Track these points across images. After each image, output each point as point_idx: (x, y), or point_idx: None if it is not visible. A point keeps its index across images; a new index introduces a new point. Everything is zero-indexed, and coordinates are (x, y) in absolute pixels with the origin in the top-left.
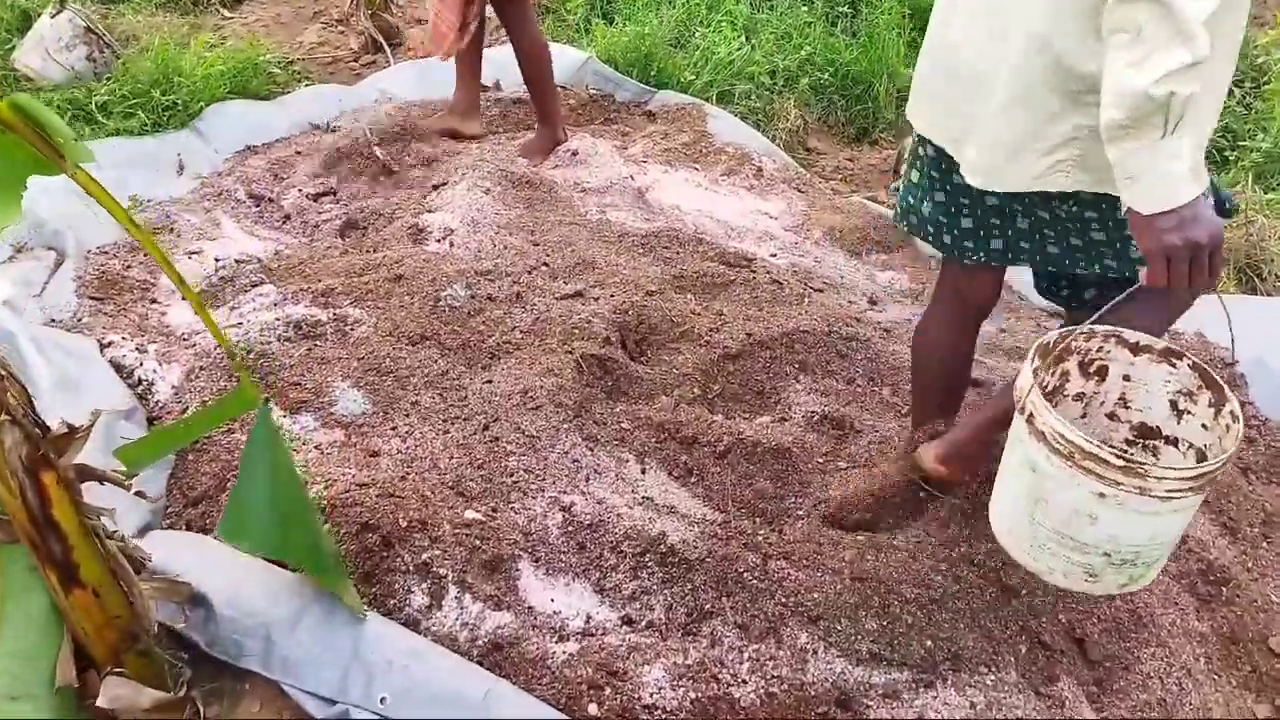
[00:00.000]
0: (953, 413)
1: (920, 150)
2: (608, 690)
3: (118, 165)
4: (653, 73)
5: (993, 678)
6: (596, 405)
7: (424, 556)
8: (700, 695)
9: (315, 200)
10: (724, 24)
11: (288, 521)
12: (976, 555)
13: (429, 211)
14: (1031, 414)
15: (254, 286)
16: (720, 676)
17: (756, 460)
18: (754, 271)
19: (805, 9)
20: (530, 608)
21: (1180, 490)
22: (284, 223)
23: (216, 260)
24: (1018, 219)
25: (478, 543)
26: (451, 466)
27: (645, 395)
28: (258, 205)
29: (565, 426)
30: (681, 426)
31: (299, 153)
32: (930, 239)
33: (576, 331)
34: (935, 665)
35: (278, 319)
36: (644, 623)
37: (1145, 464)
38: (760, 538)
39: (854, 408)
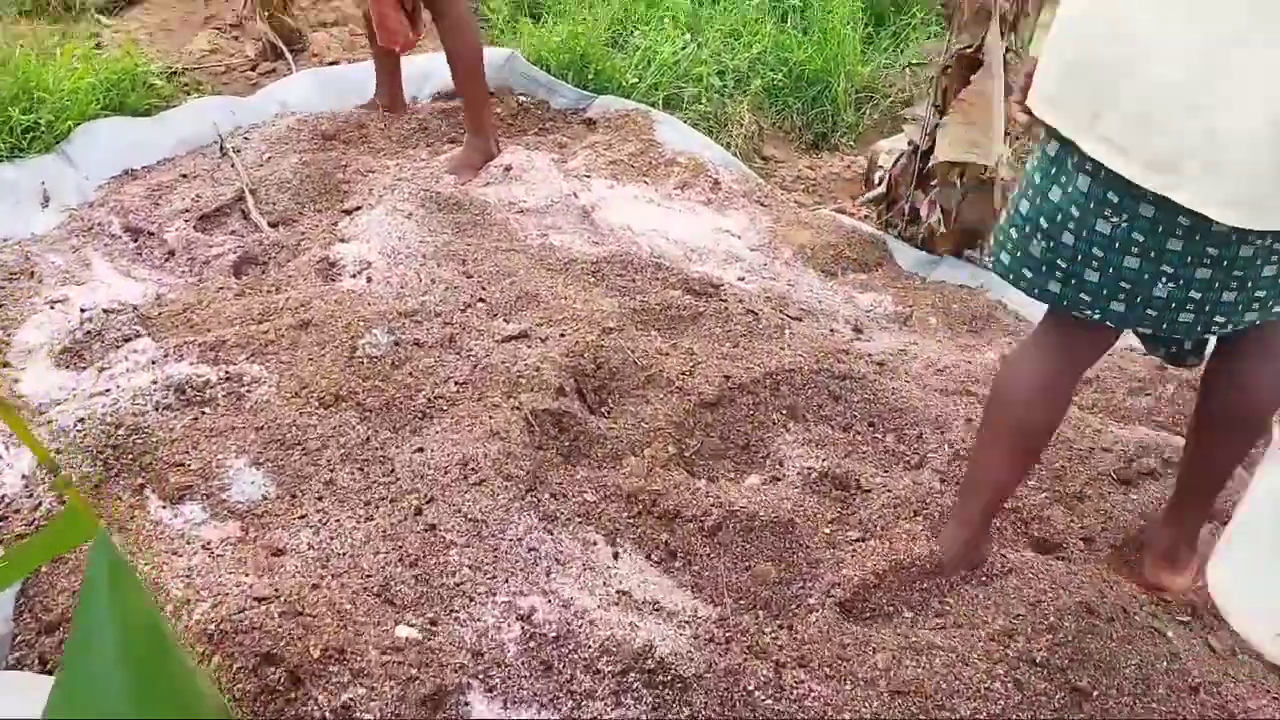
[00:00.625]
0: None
1: (1065, 176)
2: None
3: None
4: (590, 76)
5: None
6: (553, 473)
7: (344, 697)
8: None
9: (205, 232)
10: (665, 20)
11: (145, 683)
12: (1036, 651)
13: (341, 241)
14: None
15: (127, 341)
16: None
17: (753, 538)
18: (724, 300)
19: (752, 3)
20: None
21: None
22: (167, 260)
23: (82, 311)
24: (1200, 269)
25: (413, 672)
26: (376, 565)
27: (611, 457)
28: (135, 240)
29: (517, 505)
30: (659, 497)
31: (184, 176)
32: (1030, 286)
33: (523, 381)
34: None
35: (155, 382)
36: None
37: None
38: (768, 638)
39: (856, 460)
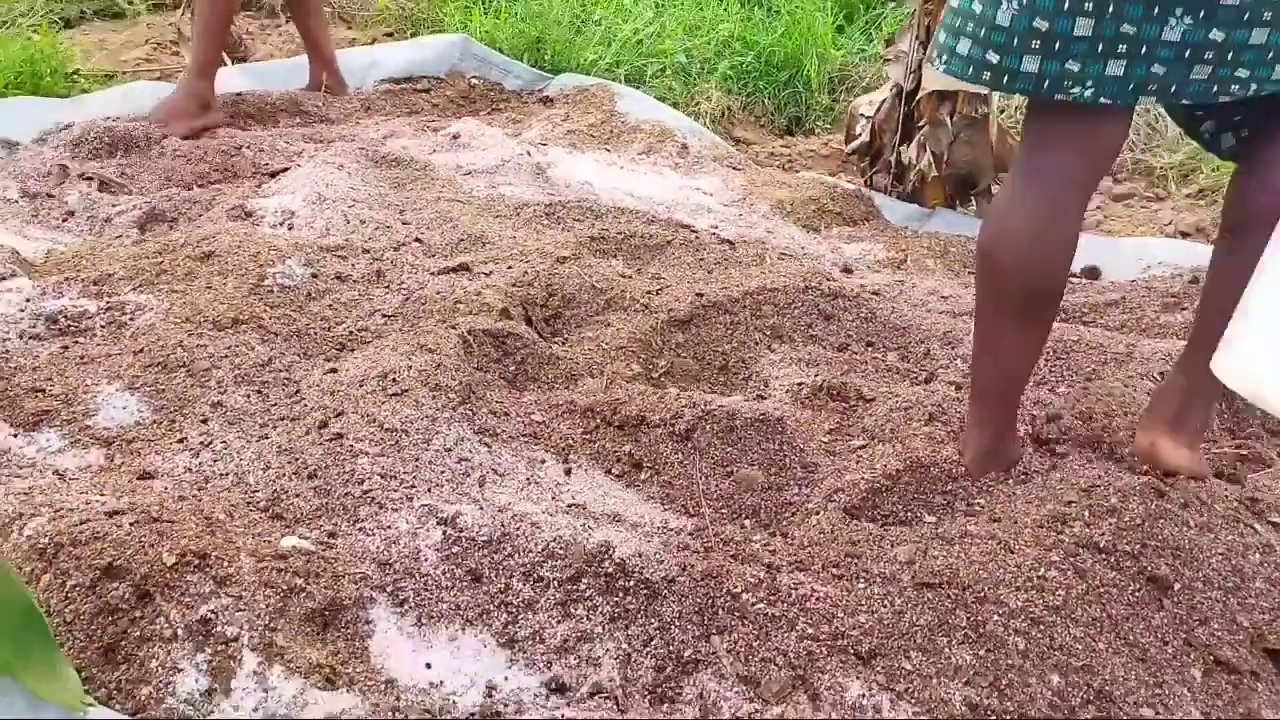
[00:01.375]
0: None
1: None
2: None
3: None
4: (547, 56)
5: None
6: (492, 392)
7: (202, 610)
8: None
9: (111, 193)
10: (627, 3)
11: None
12: (1100, 536)
13: (263, 197)
14: None
15: (1, 280)
16: None
17: (735, 439)
18: (695, 232)
19: None
20: (390, 681)
21: None
22: (65, 220)
23: None
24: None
25: (299, 582)
26: (265, 480)
27: (564, 378)
28: (33, 202)
29: (446, 415)
30: (619, 405)
31: (99, 139)
32: (998, 75)
33: (461, 307)
34: (1073, 712)
35: (23, 310)
36: (585, 688)
37: None
38: (757, 544)
39: (855, 376)
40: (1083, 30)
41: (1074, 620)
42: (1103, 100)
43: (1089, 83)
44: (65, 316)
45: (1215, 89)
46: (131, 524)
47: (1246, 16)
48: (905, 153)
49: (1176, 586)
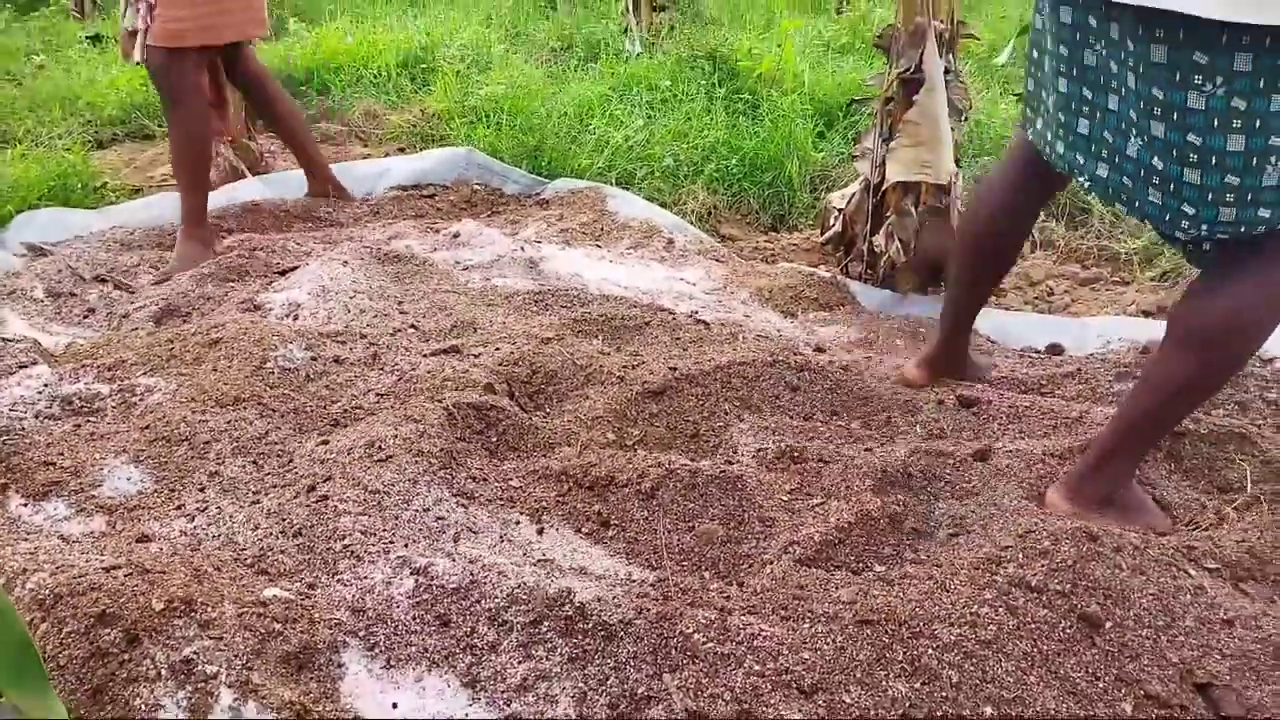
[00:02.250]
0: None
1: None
2: None
3: None
4: (544, 163)
5: None
6: (473, 460)
7: (186, 651)
8: None
9: (130, 292)
10: (619, 114)
11: None
12: (1032, 575)
13: (272, 292)
14: None
15: (21, 368)
16: None
17: (697, 497)
18: (673, 314)
19: (700, 105)
20: (357, 718)
21: None
22: (86, 317)
23: None
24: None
25: (277, 627)
26: (254, 539)
27: (543, 447)
28: (55, 300)
29: (426, 479)
30: (590, 468)
31: (121, 244)
32: (1026, 124)
33: (449, 384)
34: None
35: (40, 393)
36: None
37: None
38: (713, 592)
39: (818, 441)
40: (1048, 104)
41: (1006, 654)
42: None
43: (1045, 146)
44: (79, 398)
45: (1131, 200)
46: (125, 575)
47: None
48: (876, 242)
49: (1108, 624)
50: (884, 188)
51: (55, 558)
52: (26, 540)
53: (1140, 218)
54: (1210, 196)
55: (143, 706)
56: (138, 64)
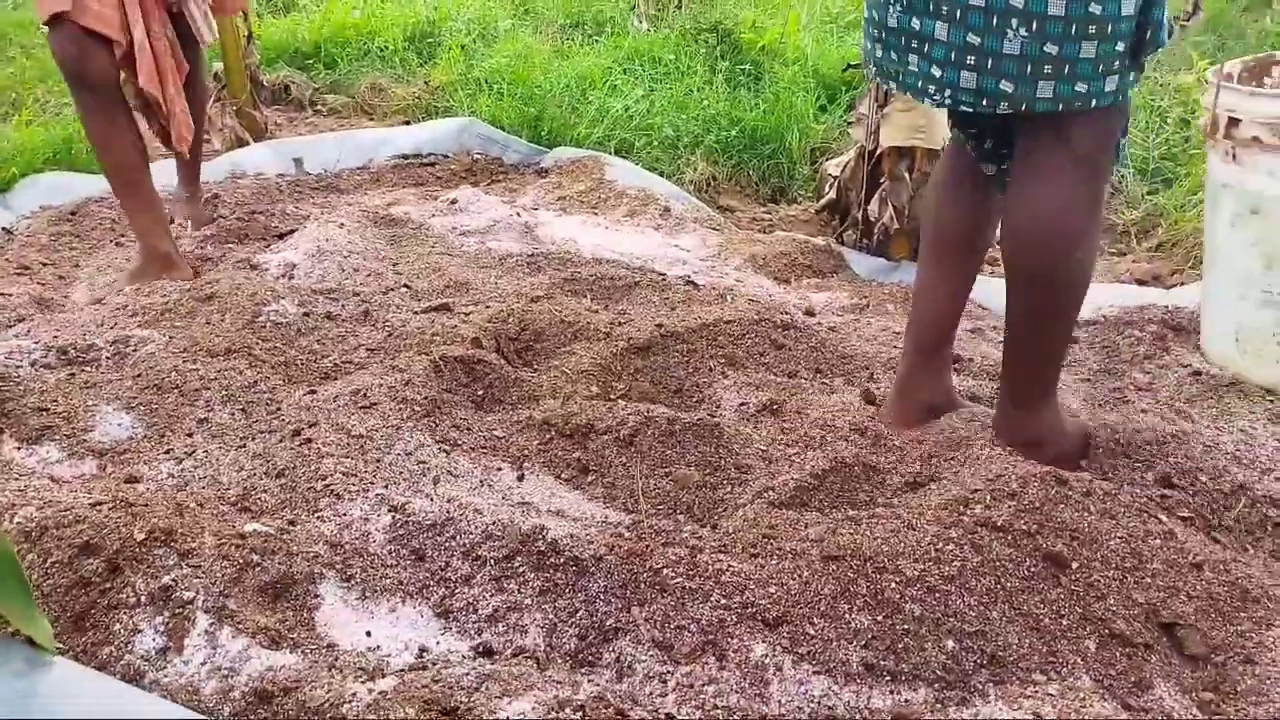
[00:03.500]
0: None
1: None
2: None
3: None
4: (544, 133)
5: (1056, 686)
6: (458, 411)
7: (165, 579)
8: None
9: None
10: (621, 86)
11: None
12: (999, 516)
13: (269, 253)
14: (1231, 136)
15: (19, 321)
16: (630, 714)
17: (675, 443)
18: (663, 275)
19: (706, 74)
20: (330, 645)
21: None
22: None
23: None
24: None
25: (255, 558)
26: (238, 480)
27: (526, 398)
28: (54, 259)
29: (410, 425)
30: (571, 417)
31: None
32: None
33: (438, 339)
34: (966, 675)
35: (37, 343)
36: (510, 650)
37: None
38: (686, 533)
39: (799, 396)
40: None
41: (969, 590)
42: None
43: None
44: (74, 349)
45: (929, 88)
46: (109, 509)
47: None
48: (870, 209)
49: (1074, 565)
50: (878, 153)
51: (43, 495)
52: (17, 480)
53: (903, 90)
54: (954, 56)
55: (122, 631)
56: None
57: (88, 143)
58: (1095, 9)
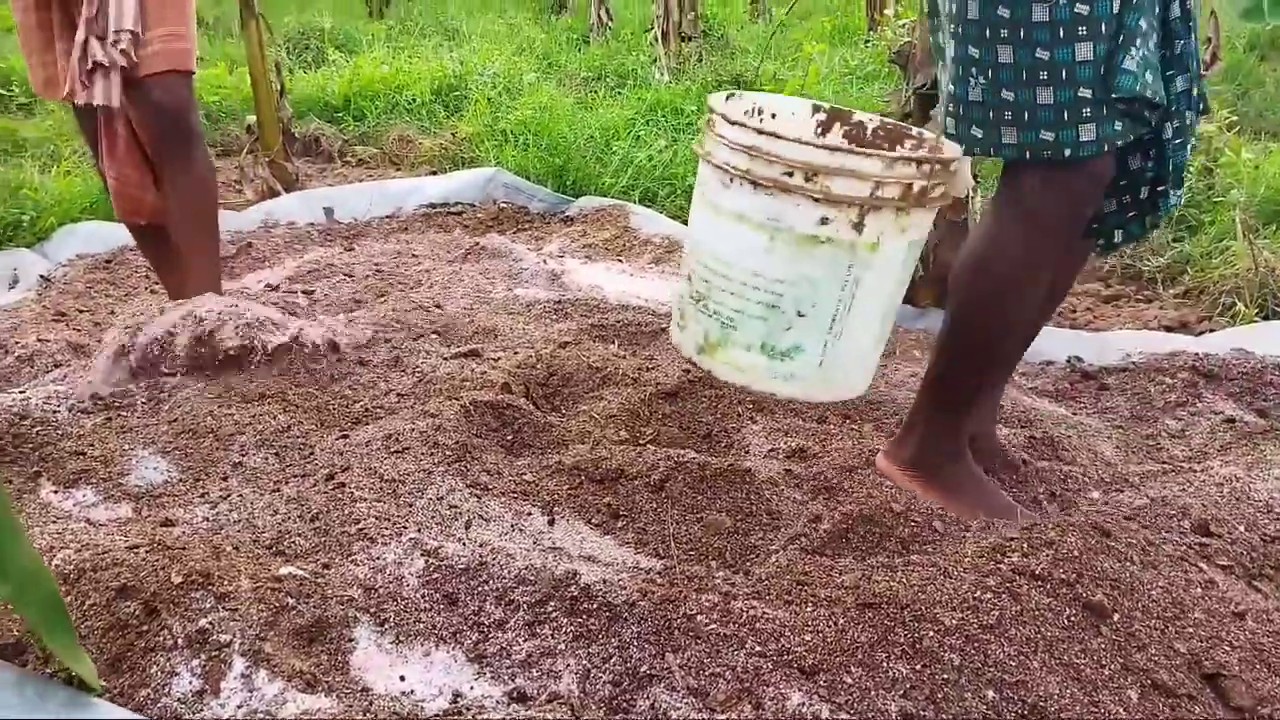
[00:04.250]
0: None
1: None
2: None
3: None
4: (569, 182)
5: None
6: (488, 455)
7: (201, 622)
8: None
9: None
10: (644, 136)
11: None
12: (1038, 565)
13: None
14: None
15: (56, 367)
16: None
17: (705, 488)
18: None
19: None
20: (365, 689)
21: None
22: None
23: (17, 344)
24: None
25: (290, 601)
26: (272, 523)
27: (556, 443)
28: (91, 305)
29: (441, 470)
30: (601, 462)
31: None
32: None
33: (467, 384)
34: None
35: (74, 390)
36: (544, 696)
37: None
38: (719, 579)
39: (831, 442)
40: None
41: (1008, 639)
42: None
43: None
44: (111, 394)
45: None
46: (146, 552)
47: None
48: None
49: (1115, 615)
50: None
51: (81, 537)
52: (55, 523)
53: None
54: (948, 104)
55: (159, 673)
56: (97, 106)
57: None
58: (1042, 55)
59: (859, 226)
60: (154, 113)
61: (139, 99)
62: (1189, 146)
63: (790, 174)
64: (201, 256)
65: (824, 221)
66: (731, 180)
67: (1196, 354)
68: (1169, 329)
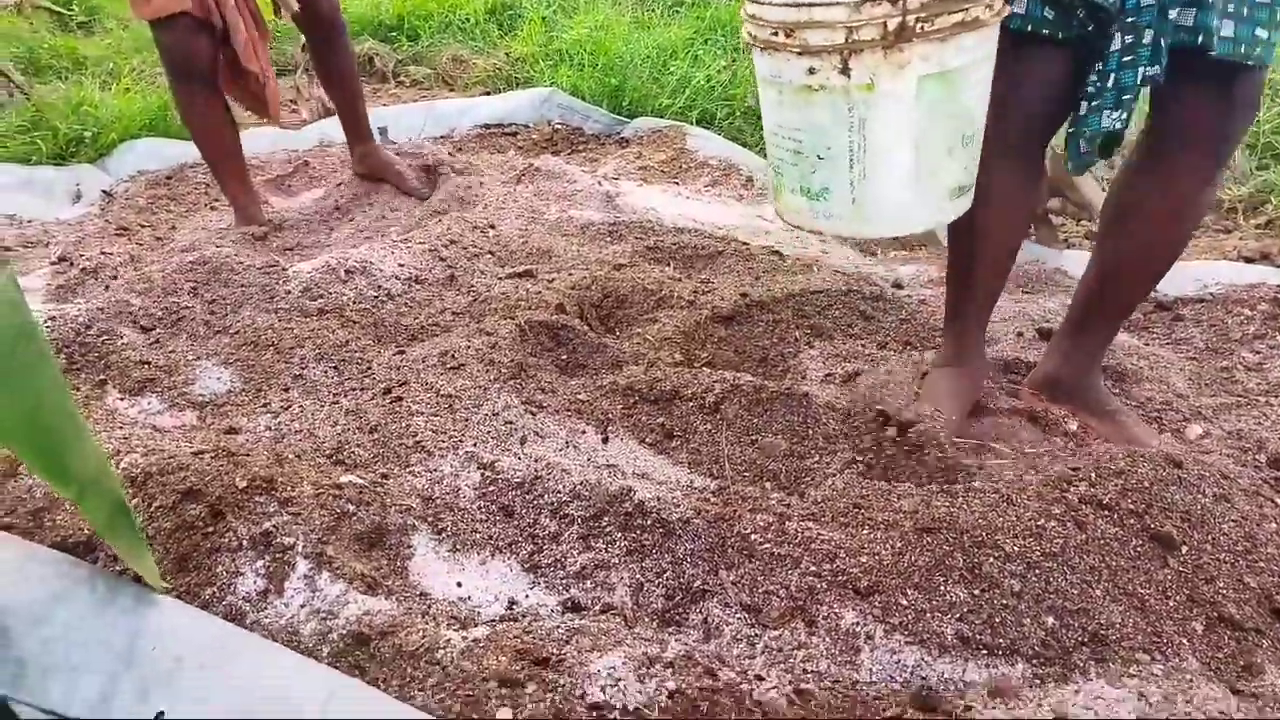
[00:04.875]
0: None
1: None
2: (530, 687)
3: (2, 188)
4: (625, 103)
5: (1160, 667)
6: (543, 374)
7: (265, 525)
8: (686, 688)
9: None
10: (703, 56)
11: (39, 429)
12: (1105, 495)
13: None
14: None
15: (114, 279)
16: (719, 673)
17: (762, 411)
18: (747, 244)
19: None
20: (423, 593)
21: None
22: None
23: (82, 256)
24: None
25: (350, 508)
26: (332, 434)
27: (610, 364)
28: (153, 219)
29: (496, 387)
30: (656, 383)
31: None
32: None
33: (522, 305)
34: (1066, 652)
35: (138, 302)
36: (597, 607)
37: None
38: (774, 500)
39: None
40: None
41: (1071, 567)
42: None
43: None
44: (178, 306)
45: None
46: (211, 458)
47: None
48: None
49: (1184, 548)
50: None
51: (147, 443)
52: (121, 429)
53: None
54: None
55: (224, 573)
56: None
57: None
58: None
59: (845, 71)
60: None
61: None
62: (1141, 71)
63: (776, 33)
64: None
65: (811, 71)
66: (751, 48)
67: (1278, 286)
68: (1249, 260)
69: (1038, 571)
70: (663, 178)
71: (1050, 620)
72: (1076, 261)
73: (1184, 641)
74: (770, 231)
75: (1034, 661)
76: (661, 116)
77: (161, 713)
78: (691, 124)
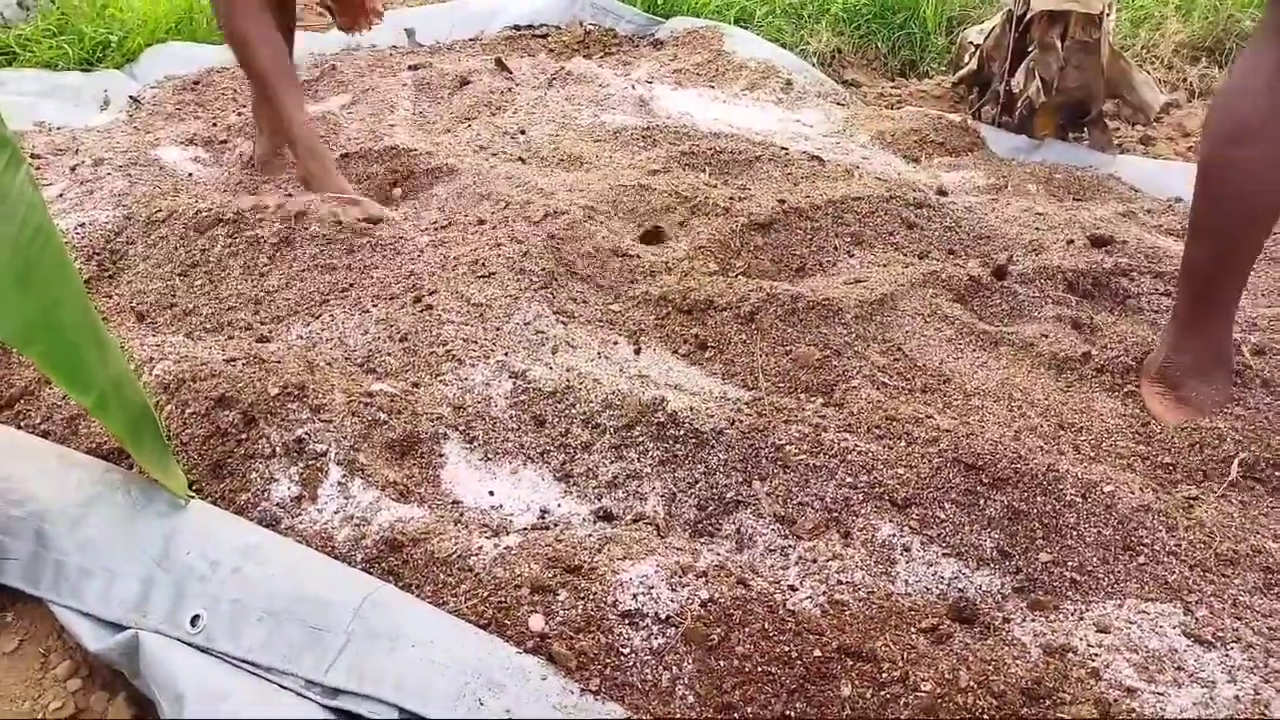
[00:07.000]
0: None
1: None
2: (563, 594)
3: (29, 94)
4: (660, 2)
5: (1211, 586)
6: (573, 283)
7: (298, 432)
8: (719, 597)
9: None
10: None
11: (53, 326)
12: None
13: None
14: None
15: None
16: (751, 583)
17: (798, 322)
18: (785, 149)
19: None
20: (455, 501)
21: None
22: (217, 146)
23: (97, 159)
24: None
25: (382, 416)
26: (363, 342)
27: (643, 273)
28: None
29: (527, 296)
30: (689, 293)
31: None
32: None
33: (555, 212)
34: (1120, 578)
35: (183, 205)
36: (629, 516)
37: None
38: (809, 411)
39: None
40: None
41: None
42: None
43: None
44: (223, 218)
45: None
46: (244, 365)
47: None
48: (1014, 81)
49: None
50: (1028, 19)
51: (180, 350)
52: (154, 337)
53: None
54: None
55: (258, 479)
56: None
57: (212, 18)
58: None
59: None
60: None
61: None
62: None
63: None
64: None
65: None
66: None
67: None
68: None
69: (1085, 492)
70: (698, 81)
71: (1097, 533)
72: (1131, 168)
73: (1230, 569)
74: (809, 137)
75: (1076, 574)
76: (698, 15)
77: (198, 615)
78: (729, 23)
